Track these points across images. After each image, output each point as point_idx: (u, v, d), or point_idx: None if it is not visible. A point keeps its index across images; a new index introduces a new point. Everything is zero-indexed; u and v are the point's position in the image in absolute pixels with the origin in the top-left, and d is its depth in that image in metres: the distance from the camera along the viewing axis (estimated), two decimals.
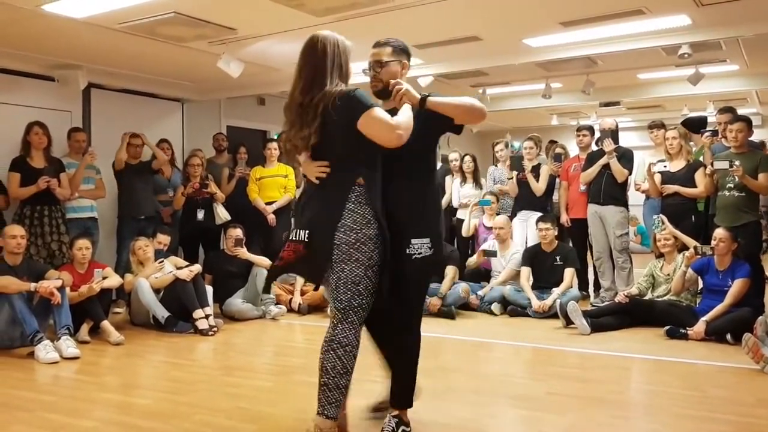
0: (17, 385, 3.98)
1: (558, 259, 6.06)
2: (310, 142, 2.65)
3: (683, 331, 4.91)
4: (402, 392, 2.88)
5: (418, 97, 2.69)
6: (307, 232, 2.67)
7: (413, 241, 2.73)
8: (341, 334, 2.64)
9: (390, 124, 2.57)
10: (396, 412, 2.87)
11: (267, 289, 5.91)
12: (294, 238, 2.71)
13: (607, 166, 6.22)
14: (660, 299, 5.41)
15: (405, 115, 2.63)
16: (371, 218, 2.64)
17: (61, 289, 4.83)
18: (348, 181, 2.66)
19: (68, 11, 4.79)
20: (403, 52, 2.89)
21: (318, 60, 2.67)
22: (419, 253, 2.73)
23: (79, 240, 5.45)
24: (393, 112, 2.69)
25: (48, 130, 5.78)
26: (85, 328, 5.14)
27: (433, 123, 2.75)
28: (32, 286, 4.76)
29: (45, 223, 5.67)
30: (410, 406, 2.90)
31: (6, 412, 3.44)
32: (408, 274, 2.74)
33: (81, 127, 6.62)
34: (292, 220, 6.71)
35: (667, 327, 4.99)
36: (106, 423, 3.23)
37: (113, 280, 5.44)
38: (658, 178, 5.90)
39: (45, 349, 4.51)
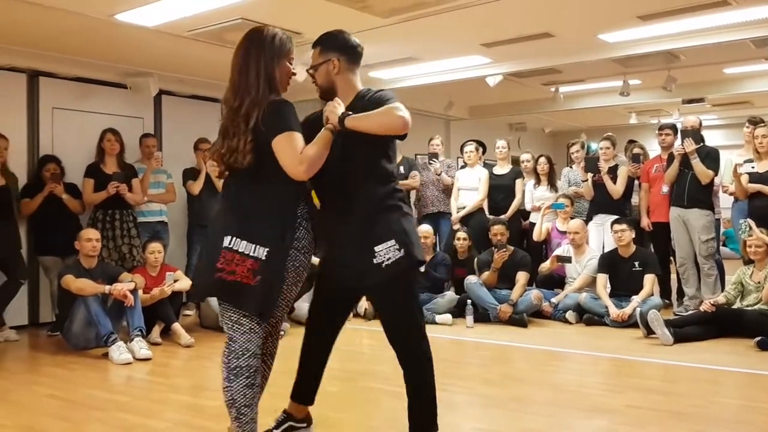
0: (93, 384, 4.10)
1: (637, 265, 5.78)
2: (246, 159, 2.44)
3: None
4: (425, 416, 2.67)
5: (336, 120, 2.45)
6: (267, 250, 2.43)
7: (376, 248, 2.52)
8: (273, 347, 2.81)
9: (297, 157, 2.37)
10: None
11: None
12: (245, 252, 2.43)
13: (690, 167, 5.90)
14: (750, 308, 5.11)
15: (316, 147, 2.41)
16: (312, 240, 2.59)
17: (134, 291, 4.95)
18: (291, 193, 2.52)
19: (140, 20, 4.92)
20: (333, 48, 2.65)
21: (240, 62, 2.51)
22: (388, 259, 2.52)
23: (151, 243, 5.59)
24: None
25: (120, 136, 5.95)
26: (156, 330, 5.25)
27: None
28: (106, 288, 4.89)
29: (116, 226, 5.82)
30: (436, 429, 2.67)
31: (83, 411, 3.55)
32: (387, 284, 2.56)
33: (152, 133, 6.78)
34: None
35: (757, 338, 4.72)
36: (178, 424, 3.28)
37: (184, 283, 5.53)
38: (745, 178, 5.62)
39: (119, 350, 4.62)
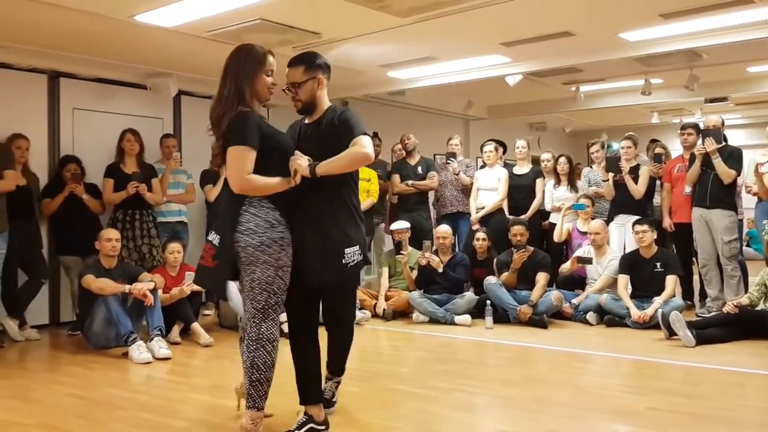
0: (113, 384, 4.13)
1: (659, 266, 5.70)
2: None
3: None
4: (343, 361, 3.28)
5: (307, 173, 2.77)
6: (218, 237, 2.81)
7: (346, 250, 2.91)
8: (267, 332, 2.80)
9: (239, 174, 2.71)
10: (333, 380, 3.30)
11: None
12: (210, 240, 2.87)
13: (712, 167, 5.81)
14: None
15: (265, 184, 2.75)
16: (275, 222, 2.78)
17: (153, 291, 4.98)
18: None
19: (159, 21, 4.94)
20: (318, 67, 2.99)
21: (222, 78, 2.84)
22: (353, 261, 2.94)
23: (171, 243, 5.62)
24: (315, 124, 3.02)
25: (140, 136, 5.99)
26: (176, 330, 5.28)
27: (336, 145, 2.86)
28: (126, 288, 4.93)
29: (136, 226, 5.86)
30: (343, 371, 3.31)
31: (103, 409, 3.58)
32: (347, 281, 3.06)
33: (172, 133, 6.82)
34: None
35: None
36: (197, 423, 3.30)
37: None
38: (767, 178, 5.46)
39: (138, 350, 4.65)
